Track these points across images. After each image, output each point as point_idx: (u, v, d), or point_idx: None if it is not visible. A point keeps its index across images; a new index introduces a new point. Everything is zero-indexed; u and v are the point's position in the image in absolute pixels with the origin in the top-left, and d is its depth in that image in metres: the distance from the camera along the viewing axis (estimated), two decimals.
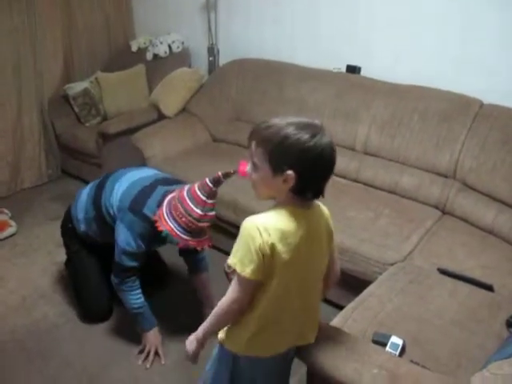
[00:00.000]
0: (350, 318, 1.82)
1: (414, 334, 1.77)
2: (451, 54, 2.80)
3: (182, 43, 3.95)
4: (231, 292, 1.32)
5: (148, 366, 2.22)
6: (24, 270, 2.87)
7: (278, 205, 1.32)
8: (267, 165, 1.26)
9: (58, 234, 3.18)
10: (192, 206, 1.94)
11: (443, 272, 2.16)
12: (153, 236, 2.11)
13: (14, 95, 3.62)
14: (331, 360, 1.44)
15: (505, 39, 2.60)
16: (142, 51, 4.03)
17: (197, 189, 1.94)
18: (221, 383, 1.55)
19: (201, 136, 3.49)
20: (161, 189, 2.16)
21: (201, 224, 1.97)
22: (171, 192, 2.09)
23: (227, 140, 3.44)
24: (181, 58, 3.91)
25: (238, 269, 1.27)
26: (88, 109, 3.83)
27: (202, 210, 1.94)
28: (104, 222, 2.29)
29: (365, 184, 2.91)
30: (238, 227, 1.30)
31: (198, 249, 2.10)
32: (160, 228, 1.99)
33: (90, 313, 2.49)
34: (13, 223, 3.26)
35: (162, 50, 3.89)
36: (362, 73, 3.20)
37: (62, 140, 3.88)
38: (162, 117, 3.54)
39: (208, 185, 1.92)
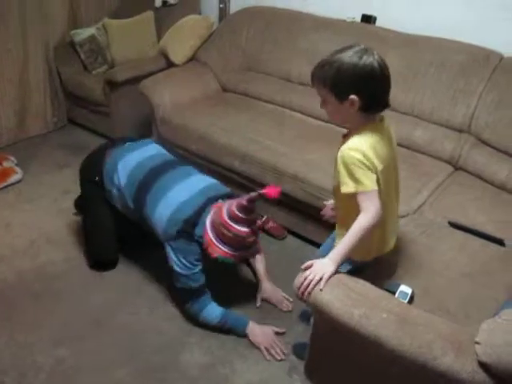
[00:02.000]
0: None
1: (423, 284, 1.75)
2: (473, 5, 2.68)
3: None
4: (367, 211, 1.47)
5: (279, 358, 2.07)
6: (30, 216, 2.87)
7: (357, 129, 1.54)
8: (332, 97, 1.49)
9: (64, 181, 3.19)
10: (237, 227, 1.96)
11: (454, 225, 2.13)
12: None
13: (20, 41, 3.53)
14: (340, 305, 1.42)
15: None
16: None
17: (235, 210, 1.95)
18: None
19: (210, 85, 3.41)
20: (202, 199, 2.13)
21: (250, 239, 2.01)
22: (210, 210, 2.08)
23: (237, 90, 3.36)
24: (190, 5, 3.78)
25: (363, 188, 1.46)
26: (95, 56, 3.74)
27: (248, 227, 1.98)
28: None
29: None
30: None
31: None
32: (214, 255, 2.01)
33: (98, 260, 2.49)
34: (18, 170, 3.24)
35: None
36: (378, 23, 3.08)
37: (68, 88, 3.80)
38: (170, 65, 3.45)
39: (244, 204, 1.94)
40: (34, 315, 2.21)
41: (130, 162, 2.28)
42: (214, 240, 2.01)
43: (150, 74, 3.32)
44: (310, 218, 2.60)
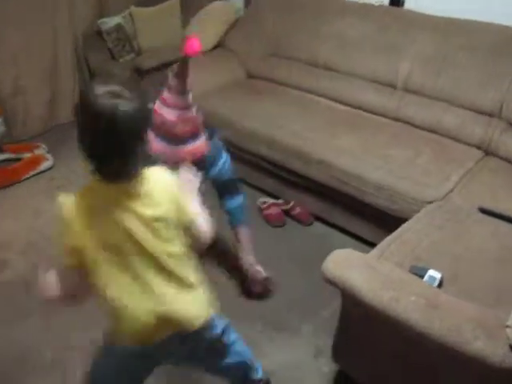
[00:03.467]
0: (386, 250, 1.79)
1: (452, 269, 1.74)
2: None
3: None
4: None
5: None
6: None
7: None
8: None
9: None
10: (165, 111, 1.89)
11: (484, 211, 2.10)
12: None
13: (50, 30, 3.59)
14: (368, 288, 1.43)
15: None
16: None
17: (165, 93, 1.88)
18: None
19: (236, 71, 3.42)
20: None
21: (179, 129, 1.91)
22: None
23: (262, 76, 3.36)
24: None
25: None
26: (122, 44, 3.77)
27: (176, 115, 1.88)
28: None
29: (405, 122, 2.81)
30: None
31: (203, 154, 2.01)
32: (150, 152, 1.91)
33: None
34: (49, 157, 3.30)
35: None
36: (406, 5, 3.04)
37: (96, 75, 3.85)
38: None
39: (169, 83, 1.86)
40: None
41: None
42: (152, 136, 1.87)
43: (176, 61, 3.32)
44: (336, 203, 2.60)
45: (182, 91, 1.88)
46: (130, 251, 1.24)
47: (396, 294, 1.39)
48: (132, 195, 1.23)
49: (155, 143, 1.91)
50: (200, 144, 2.04)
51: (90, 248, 1.23)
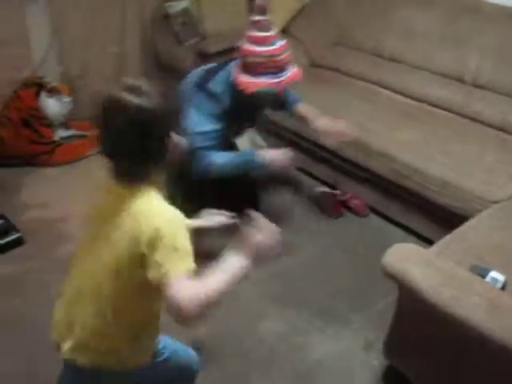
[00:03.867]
0: (447, 248, 1.76)
1: None
2: None
3: None
4: None
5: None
6: None
7: None
8: None
9: None
10: (259, 48, 1.96)
11: None
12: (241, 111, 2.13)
13: (119, 13, 3.67)
14: (428, 284, 1.41)
15: None
16: None
17: (253, 32, 1.97)
18: None
19: (299, 59, 3.34)
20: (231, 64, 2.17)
21: (282, 56, 2.00)
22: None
23: (327, 65, 3.31)
24: None
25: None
26: (187, 28, 3.81)
27: (270, 45, 1.96)
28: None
29: (471, 118, 2.72)
30: None
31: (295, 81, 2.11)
32: (250, 90, 2.00)
33: None
34: None
35: None
36: None
37: (161, 59, 3.92)
38: None
39: (255, 20, 1.95)
40: None
41: None
42: (247, 79, 2.00)
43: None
44: (394, 197, 2.56)
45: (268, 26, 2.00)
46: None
47: (457, 293, 1.36)
48: (123, 203, 1.15)
49: (257, 81, 2.00)
50: (297, 70, 2.15)
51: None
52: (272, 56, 1.97)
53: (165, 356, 1.34)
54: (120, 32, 3.72)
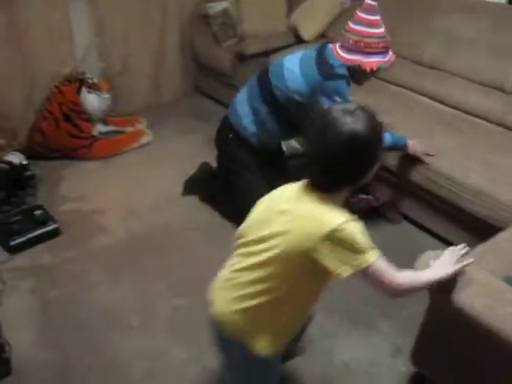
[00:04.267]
0: (481, 258, 1.73)
1: None
2: None
3: None
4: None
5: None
6: (159, 176, 3.08)
7: None
8: None
9: (189, 145, 3.39)
10: (373, 29, 2.12)
11: None
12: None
13: (160, 11, 3.74)
14: (461, 292, 1.40)
15: None
16: None
17: (362, 14, 2.13)
18: None
19: None
20: (326, 47, 2.27)
21: (387, 39, 2.18)
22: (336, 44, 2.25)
23: None
24: None
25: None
26: (226, 29, 3.86)
27: (379, 27, 2.14)
28: (279, 114, 2.37)
29: (510, 129, 2.68)
30: None
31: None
32: (371, 68, 2.17)
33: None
34: (149, 132, 3.48)
35: None
36: None
37: (199, 58, 3.98)
38: (299, 41, 3.50)
39: (368, 3, 2.13)
40: (158, 266, 2.41)
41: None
42: (364, 58, 2.15)
43: (279, 48, 3.39)
44: (428, 205, 2.55)
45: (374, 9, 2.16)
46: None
47: (490, 302, 1.36)
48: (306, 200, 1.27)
49: (373, 60, 2.17)
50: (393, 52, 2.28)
51: None
52: (383, 37, 2.15)
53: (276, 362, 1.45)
54: (160, 30, 3.80)
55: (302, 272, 1.26)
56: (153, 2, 3.68)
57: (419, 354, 1.78)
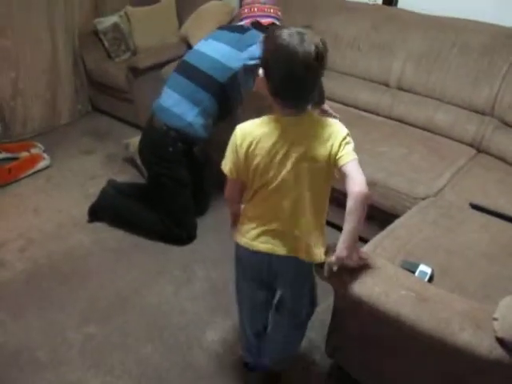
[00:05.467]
0: (379, 245, 1.82)
1: (443, 264, 1.77)
2: None
3: None
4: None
5: None
6: (58, 201, 2.95)
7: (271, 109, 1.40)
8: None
9: (90, 166, 3.28)
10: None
11: (475, 207, 2.13)
12: None
13: (49, 31, 3.61)
14: (359, 282, 1.45)
15: None
16: None
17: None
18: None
19: None
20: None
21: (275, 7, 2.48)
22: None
23: None
24: None
25: (222, 167, 1.45)
26: (118, 44, 3.79)
27: None
28: (217, 94, 2.41)
29: (398, 120, 2.85)
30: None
31: None
32: (268, 22, 2.43)
33: (192, 234, 2.65)
34: (46, 156, 3.32)
35: None
36: (400, 5, 3.07)
37: (93, 75, 3.87)
38: None
39: None
40: (64, 295, 2.30)
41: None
42: (265, 19, 2.43)
43: (172, 60, 3.36)
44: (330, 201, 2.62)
45: None
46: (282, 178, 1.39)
47: (386, 289, 1.41)
48: (297, 129, 1.36)
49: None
50: None
51: (249, 170, 1.40)
52: (273, 5, 2.49)
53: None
54: (50, 50, 3.66)
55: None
56: (40, 23, 3.54)
57: (332, 347, 1.83)
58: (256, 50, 2.23)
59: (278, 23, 2.46)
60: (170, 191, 2.52)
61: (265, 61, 1.31)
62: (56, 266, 2.45)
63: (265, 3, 2.46)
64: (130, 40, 3.78)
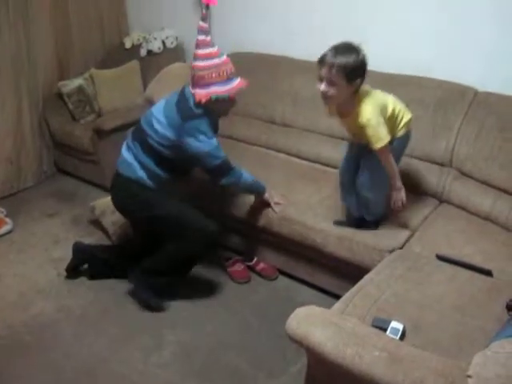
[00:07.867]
0: (350, 303, 1.81)
1: (414, 319, 1.76)
2: (447, 43, 2.80)
3: (176, 39, 3.94)
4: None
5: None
6: (21, 267, 2.86)
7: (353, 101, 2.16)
8: (344, 80, 2.03)
9: (54, 229, 3.21)
10: (205, 62, 2.24)
11: (442, 258, 2.16)
12: (213, 120, 2.41)
13: (13, 94, 3.61)
14: (332, 345, 1.43)
15: (501, 26, 2.60)
16: (135, 47, 4.01)
17: (196, 50, 2.27)
18: None
19: None
20: (186, 88, 2.38)
21: (225, 67, 2.28)
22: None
23: (221, 134, 3.40)
24: (175, 53, 3.90)
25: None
26: (83, 106, 3.81)
27: (216, 58, 2.26)
28: (163, 162, 2.39)
29: None
30: None
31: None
32: (205, 100, 2.24)
33: (210, 228, 2.43)
34: (8, 221, 3.24)
35: (156, 46, 3.88)
36: None
37: (58, 137, 3.85)
38: None
39: (199, 38, 2.26)
40: (26, 367, 2.18)
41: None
42: (200, 91, 2.26)
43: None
44: (300, 257, 2.62)
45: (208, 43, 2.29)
46: None
47: (359, 350, 1.39)
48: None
49: (209, 90, 2.27)
50: (242, 79, 2.40)
51: None
52: (218, 66, 2.25)
53: None
54: (15, 113, 3.65)
55: None
56: (5, 86, 3.54)
57: None
58: (193, 142, 2.28)
59: (221, 96, 2.28)
60: (165, 219, 2.43)
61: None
62: (18, 338, 2.34)
63: (207, 69, 2.25)
64: (94, 102, 3.80)
